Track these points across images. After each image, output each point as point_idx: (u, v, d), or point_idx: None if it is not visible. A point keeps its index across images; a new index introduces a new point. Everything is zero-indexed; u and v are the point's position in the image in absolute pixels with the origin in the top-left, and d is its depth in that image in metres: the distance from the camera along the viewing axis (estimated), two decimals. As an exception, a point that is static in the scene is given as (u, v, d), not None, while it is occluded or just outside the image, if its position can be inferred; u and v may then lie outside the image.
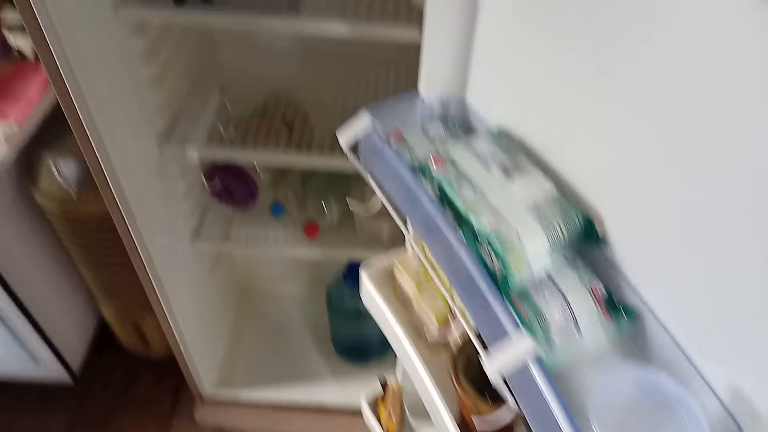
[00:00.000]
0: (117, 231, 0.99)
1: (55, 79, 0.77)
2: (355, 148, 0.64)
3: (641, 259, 0.49)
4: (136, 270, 1.07)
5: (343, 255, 1.22)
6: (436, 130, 0.63)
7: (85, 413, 1.51)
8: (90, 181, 0.92)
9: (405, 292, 0.81)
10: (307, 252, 1.20)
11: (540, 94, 0.55)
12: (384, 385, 1.15)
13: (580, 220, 0.51)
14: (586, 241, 0.52)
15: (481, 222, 0.51)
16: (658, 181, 0.44)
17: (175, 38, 1.02)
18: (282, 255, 1.22)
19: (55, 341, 1.37)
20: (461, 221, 0.53)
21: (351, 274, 1.29)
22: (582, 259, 0.53)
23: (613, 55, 0.45)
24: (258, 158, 1.08)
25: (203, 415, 1.45)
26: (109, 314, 1.47)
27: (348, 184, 1.20)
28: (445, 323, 0.74)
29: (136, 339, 1.53)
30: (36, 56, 1.05)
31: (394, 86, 1.20)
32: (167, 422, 1.51)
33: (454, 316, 0.72)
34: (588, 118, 0.50)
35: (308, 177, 1.26)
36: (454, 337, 0.75)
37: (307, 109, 1.16)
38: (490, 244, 0.50)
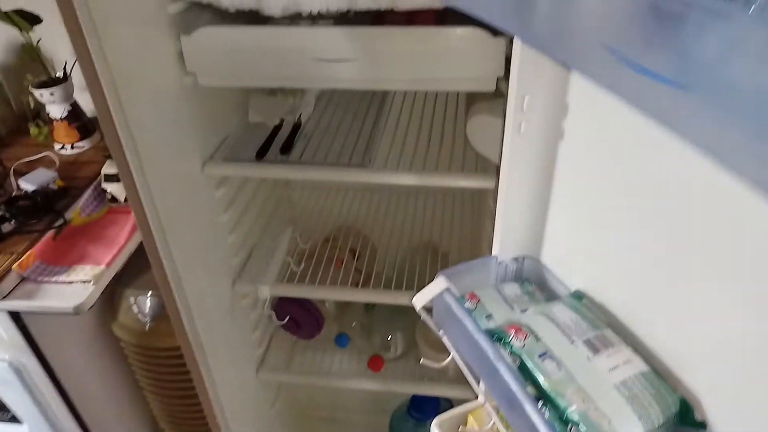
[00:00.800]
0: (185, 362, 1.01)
1: (143, 224, 0.83)
2: (429, 308, 0.64)
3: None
4: (201, 401, 1.08)
5: (406, 389, 1.19)
6: (512, 290, 0.63)
7: None
8: (165, 315, 0.96)
9: None
10: (370, 384, 1.18)
11: (623, 262, 0.55)
12: None
13: (676, 402, 0.49)
14: (683, 426, 0.49)
15: (569, 404, 0.49)
16: None
17: (253, 186, 1.09)
18: (345, 386, 1.20)
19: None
20: (545, 398, 0.52)
21: (415, 408, 1.26)
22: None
23: (711, 231, 0.44)
24: (326, 295, 1.10)
25: None
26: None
27: (413, 315, 1.20)
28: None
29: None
30: (126, 200, 1.14)
31: (461, 214, 1.23)
32: None
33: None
34: (682, 288, 0.48)
35: (373, 305, 1.27)
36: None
37: (373, 237, 1.19)
38: (578, 429, 0.48)
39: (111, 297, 1.19)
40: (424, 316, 0.65)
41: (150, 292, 1.14)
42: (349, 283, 1.05)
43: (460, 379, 1.18)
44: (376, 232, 1.25)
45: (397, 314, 1.22)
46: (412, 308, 1.20)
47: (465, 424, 0.81)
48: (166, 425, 1.42)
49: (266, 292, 1.05)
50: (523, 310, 0.60)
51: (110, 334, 1.23)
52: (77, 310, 0.97)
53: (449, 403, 1.26)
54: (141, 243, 0.84)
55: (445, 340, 0.66)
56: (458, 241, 1.23)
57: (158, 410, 1.38)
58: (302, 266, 1.11)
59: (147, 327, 1.18)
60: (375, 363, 1.16)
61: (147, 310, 1.14)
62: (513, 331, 0.56)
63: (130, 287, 1.17)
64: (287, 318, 1.16)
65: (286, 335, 1.27)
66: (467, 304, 0.62)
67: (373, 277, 1.18)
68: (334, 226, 1.25)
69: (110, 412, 1.34)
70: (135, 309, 1.15)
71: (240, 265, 1.08)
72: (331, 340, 1.26)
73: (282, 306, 1.18)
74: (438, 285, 0.63)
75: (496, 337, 0.57)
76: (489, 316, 0.60)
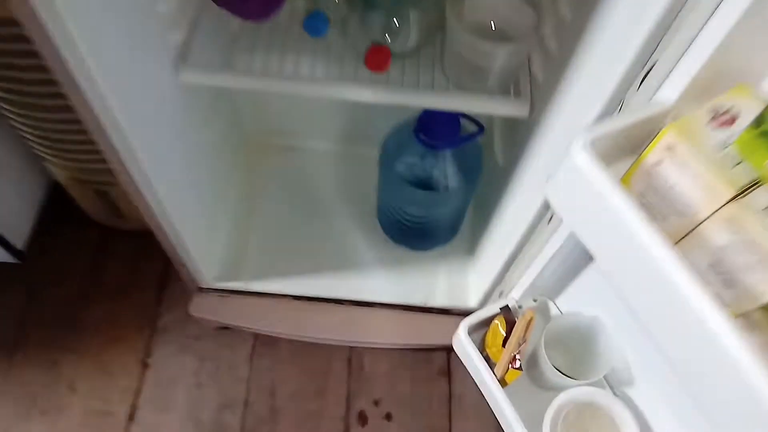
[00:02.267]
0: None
1: None
2: None
3: None
4: (80, 115, 0.61)
5: (422, 101, 0.75)
6: None
7: (38, 301, 1.13)
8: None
9: (669, 192, 0.38)
10: (366, 93, 0.73)
11: None
12: (504, 314, 0.77)
13: None
14: None
15: None
16: None
17: None
18: (323, 95, 0.75)
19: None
20: None
21: (424, 130, 0.84)
22: None
23: None
24: None
25: (201, 308, 1.08)
26: (62, 178, 1.02)
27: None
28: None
29: (101, 207, 1.10)
30: None
31: None
32: (152, 313, 1.14)
33: None
34: None
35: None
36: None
37: None
38: None
39: None
40: None
41: None
42: None
43: (510, 87, 0.76)
44: None
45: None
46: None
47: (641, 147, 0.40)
48: (46, 154, 0.95)
49: None
50: None
51: None
52: None
53: (479, 125, 0.85)
54: None
55: None
56: None
57: (28, 131, 0.90)
58: None
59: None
60: (376, 57, 0.69)
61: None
62: None
63: None
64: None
65: (217, 18, 0.75)
66: None
67: None
68: None
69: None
70: None
71: None
72: (295, 29, 0.75)
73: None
74: None
75: None
76: None
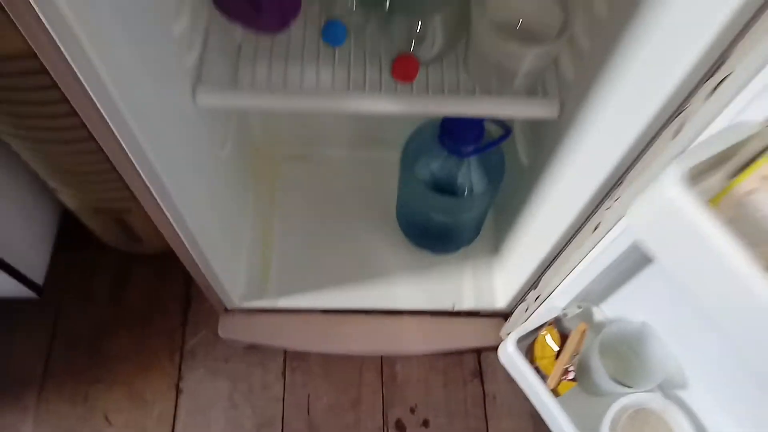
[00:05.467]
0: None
1: None
2: None
3: None
4: (101, 142, 0.59)
5: (447, 108, 0.73)
6: None
7: (63, 333, 1.11)
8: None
9: (762, 222, 0.36)
10: (389, 104, 0.71)
11: None
12: (556, 324, 0.76)
13: None
14: None
15: None
16: None
17: None
18: (350, 109, 0.73)
19: None
20: None
21: (451, 133, 0.82)
22: None
23: None
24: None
25: (229, 329, 1.06)
26: (76, 207, 1.00)
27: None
28: None
29: (118, 234, 1.08)
30: None
31: None
32: (178, 337, 1.12)
33: None
34: None
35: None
36: None
37: None
38: None
39: None
40: None
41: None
42: None
43: (533, 88, 0.74)
44: None
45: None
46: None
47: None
48: (57, 184, 0.94)
49: None
50: None
51: None
52: None
53: (505, 127, 0.83)
54: None
55: None
56: None
57: (35, 162, 0.88)
58: None
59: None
60: (405, 67, 0.67)
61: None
62: None
63: None
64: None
65: (228, 31, 0.73)
66: None
67: None
68: None
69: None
70: None
71: None
72: (312, 39, 0.73)
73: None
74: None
75: None
76: None
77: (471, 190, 0.90)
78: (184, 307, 1.15)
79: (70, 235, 1.16)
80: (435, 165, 0.89)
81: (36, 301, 1.10)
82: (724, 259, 0.37)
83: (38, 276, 1.09)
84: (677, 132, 0.49)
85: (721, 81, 0.41)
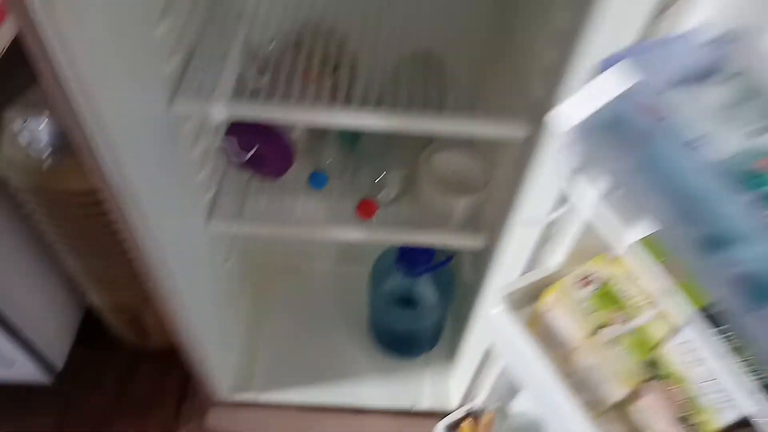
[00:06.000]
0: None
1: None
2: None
3: None
4: (136, 259, 0.80)
5: (400, 237, 0.96)
6: (715, 96, 0.37)
7: (71, 418, 1.26)
8: (69, 146, 0.64)
9: (555, 331, 0.57)
10: (355, 233, 0.94)
11: None
12: (473, 414, 0.93)
13: None
14: None
15: None
16: None
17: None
18: (324, 237, 0.95)
19: (29, 336, 1.11)
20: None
21: (404, 260, 1.04)
22: None
23: None
24: (304, 117, 0.79)
25: (217, 420, 1.22)
26: (100, 304, 1.20)
27: (411, 146, 0.93)
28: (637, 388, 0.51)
29: (131, 330, 1.27)
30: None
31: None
32: (171, 428, 1.26)
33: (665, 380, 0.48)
34: None
35: (355, 137, 0.98)
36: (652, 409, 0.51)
37: (351, 41, 0.87)
38: None
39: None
40: (570, 143, 0.38)
41: (46, 113, 0.79)
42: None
43: (469, 226, 0.96)
44: (354, 33, 0.90)
45: (390, 145, 0.95)
46: (408, 138, 0.93)
47: (539, 297, 0.59)
48: (91, 286, 1.14)
49: (221, 112, 0.73)
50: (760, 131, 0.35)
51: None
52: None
53: (448, 254, 1.05)
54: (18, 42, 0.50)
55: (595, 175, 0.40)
56: (467, 45, 0.92)
57: (77, 269, 1.09)
58: (266, 78, 0.79)
59: (45, 165, 0.85)
60: (366, 208, 0.91)
61: (43, 140, 0.80)
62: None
63: (11, 107, 0.81)
64: (254, 148, 0.86)
65: (239, 176, 0.97)
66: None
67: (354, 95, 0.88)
68: (299, 23, 0.90)
69: (10, 272, 1.04)
70: (25, 138, 0.80)
71: (176, 74, 0.74)
72: (299, 183, 0.98)
73: (238, 134, 0.88)
74: (612, 83, 0.35)
75: (742, 176, 0.32)
76: (698, 141, 0.34)
77: (426, 303, 1.10)
78: (179, 400, 1.30)
79: (87, 329, 1.34)
80: (395, 282, 1.10)
81: (47, 389, 1.25)
82: (527, 360, 0.57)
83: (58, 363, 1.26)
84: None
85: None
